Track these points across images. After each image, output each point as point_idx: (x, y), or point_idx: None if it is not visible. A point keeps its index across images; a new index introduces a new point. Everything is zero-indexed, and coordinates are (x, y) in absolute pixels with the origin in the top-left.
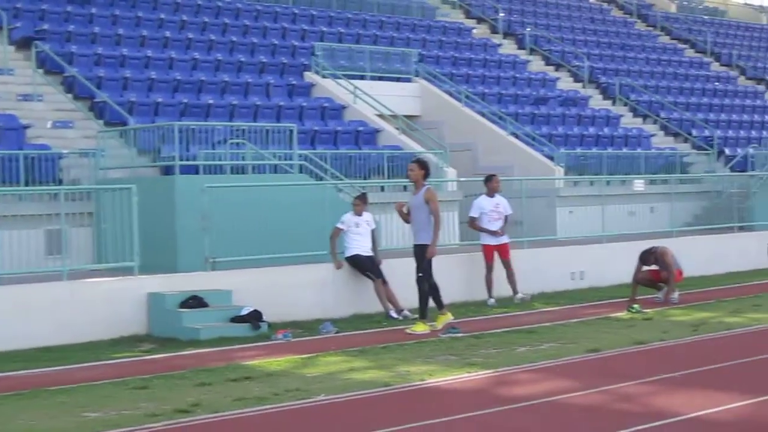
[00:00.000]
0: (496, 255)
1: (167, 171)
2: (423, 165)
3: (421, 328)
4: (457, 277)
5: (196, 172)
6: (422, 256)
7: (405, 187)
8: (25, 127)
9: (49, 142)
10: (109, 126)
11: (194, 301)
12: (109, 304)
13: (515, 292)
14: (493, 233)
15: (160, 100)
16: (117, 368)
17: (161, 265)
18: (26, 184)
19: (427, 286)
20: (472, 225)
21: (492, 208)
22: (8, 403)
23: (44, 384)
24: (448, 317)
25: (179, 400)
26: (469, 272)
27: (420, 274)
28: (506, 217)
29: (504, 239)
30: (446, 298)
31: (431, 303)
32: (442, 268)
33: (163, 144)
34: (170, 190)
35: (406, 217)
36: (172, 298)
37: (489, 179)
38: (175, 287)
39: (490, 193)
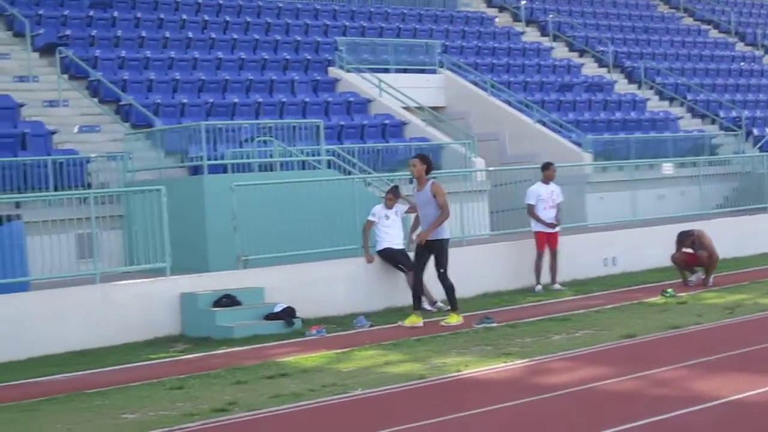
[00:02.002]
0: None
1: (195, 171)
2: (425, 159)
3: (454, 319)
4: (488, 267)
5: (224, 171)
6: (440, 251)
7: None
8: (52, 132)
9: (77, 147)
10: (136, 128)
11: (227, 300)
12: (141, 305)
13: (554, 281)
14: (549, 225)
15: (185, 100)
16: (152, 369)
17: (192, 265)
18: (55, 190)
19: (449, 280)
20: (530, 212)
21: (548, 195)
22: (45, 408)
23: (80, 387)
24: (458, 319)
25: (216, 399)
26: (501, 262)
27: (441, 270)
28: (558, 204)
29: (556, 228)
30: (478, 289)
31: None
32: (473, 259)
33: (190, 144)
34: (199, 190)
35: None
36: (205, 297)
37: (546, 167)
38: (207, 287)
39: (546, 181)
